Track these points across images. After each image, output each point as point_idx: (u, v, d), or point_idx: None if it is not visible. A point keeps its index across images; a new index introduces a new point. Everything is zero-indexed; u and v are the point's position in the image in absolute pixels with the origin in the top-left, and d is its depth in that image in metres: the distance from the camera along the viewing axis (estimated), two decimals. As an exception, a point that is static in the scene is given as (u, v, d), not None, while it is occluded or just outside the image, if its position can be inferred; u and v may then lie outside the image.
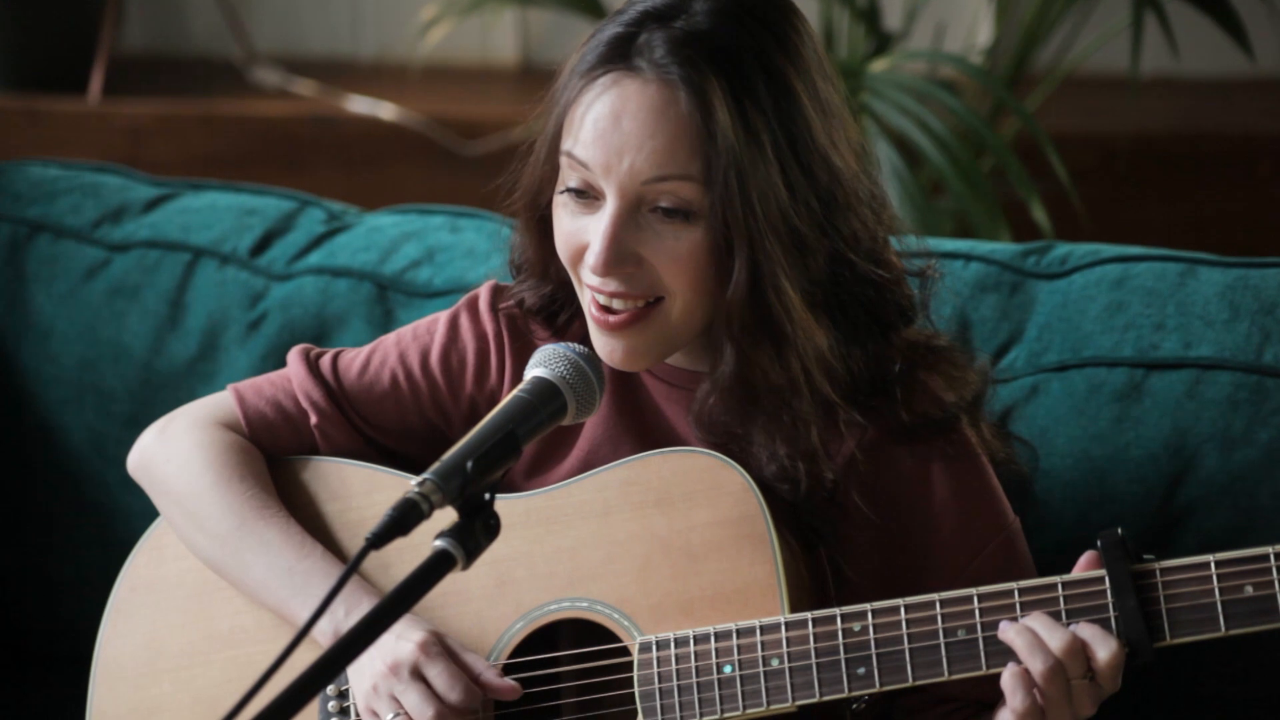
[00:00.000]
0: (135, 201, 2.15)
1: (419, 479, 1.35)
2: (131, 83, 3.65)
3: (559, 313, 1.64)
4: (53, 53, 3.63)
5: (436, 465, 1.36)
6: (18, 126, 3.57)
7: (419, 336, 1.69)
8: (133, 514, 2.06)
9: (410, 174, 3.56)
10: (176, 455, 1.67)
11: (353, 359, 1.69)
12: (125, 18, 3.74)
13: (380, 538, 1.33)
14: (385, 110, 3.55)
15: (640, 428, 1.60)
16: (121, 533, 2.07)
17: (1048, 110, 2.96)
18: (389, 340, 1.70)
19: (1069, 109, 3.26)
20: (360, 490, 1.64)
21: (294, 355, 1.71)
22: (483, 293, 1.70)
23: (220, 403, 1.70)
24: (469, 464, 1.37)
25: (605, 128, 1.50)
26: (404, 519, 1.34)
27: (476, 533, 1.36)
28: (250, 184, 2.19)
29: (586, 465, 1.59)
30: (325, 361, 1.69)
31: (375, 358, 1.69)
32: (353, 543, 1.63)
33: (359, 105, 3.56)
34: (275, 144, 3.56)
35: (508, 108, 3.64)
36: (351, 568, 1.32)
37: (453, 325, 1.68)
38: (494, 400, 1.65)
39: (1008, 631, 1.44)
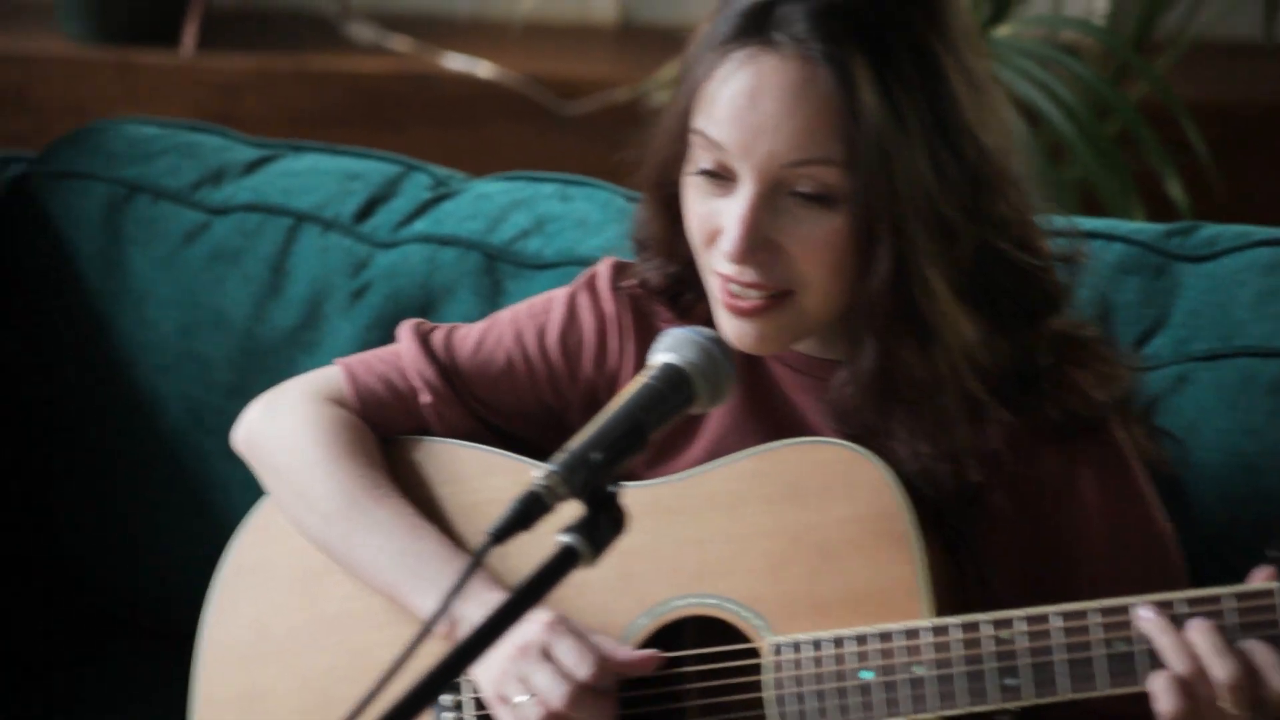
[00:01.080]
0: (235, 163, 2.09)
1: (543, 470, 1.28)
2: (224, 36, 3.59)
3: (683, 293, 1.56)
4: (145, 5, 3.57)
5: (561, 457, 1.29)
6: (109, 80, 3.51)
7: (536, 315, 1.61)
8: (231, 485, 2.00)
9: (506, 134, 3.49)
10: (285, 432, 1.61)
11: (466, 336, 1.63)
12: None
13: (502, 533, 1.26)
14: (482, 68, 3.47)
15: (769, 417, 1.53)
16: (219, 503, 2.02)
17: (1171, 81, 2.85)
18: (504, 317, 1.63)
19: (1194, 78, 3.14)
20: (474, 473, 1.57)
21: (406, 331, 1.64)
22: (602, 270, 1.62)
23: (329, 378, 1.64)
24: (596, 456, 1.30)
25: (741, 107, 1.42)
26: (527, 513, 1.27)
27: (602, 527, 1.29)
28: (352, 146, 2.12)
29: (712, 454, 1.51)
30: (438, 338, 1.63)
31: (490, 336, 1.62)
32: (466, 527, 1.56)
33: (455, 63, 3.49)
34: (369, 101, 3.50)
35: (606, 67, 3.56)
36: (472, 566, 1.25)
37: (571, 304, 1.61)
38: (613, 383, 1.58)
39: (1167, 651, 1.34)
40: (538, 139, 3.47)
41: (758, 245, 1.42)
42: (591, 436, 1.31)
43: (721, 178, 1.45)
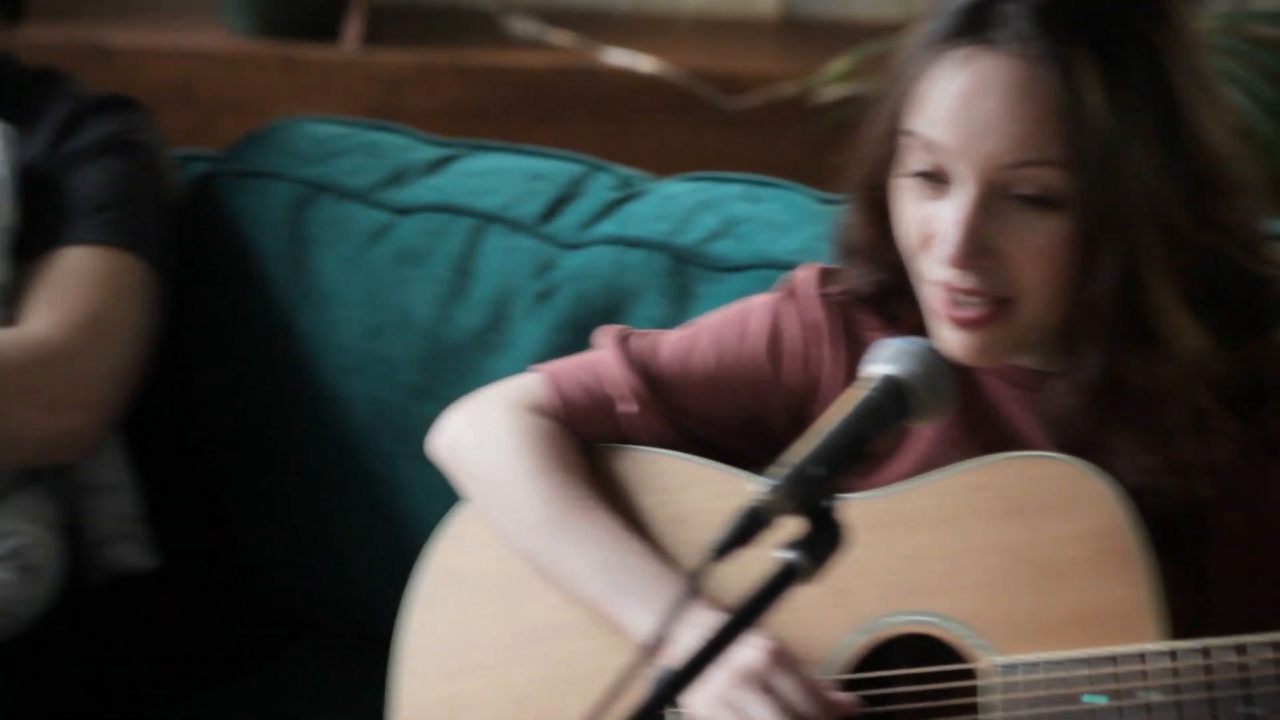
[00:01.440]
0: (417, 163, 2.07)
1: (763, 485, 1.25)
2: (386, 31, 3.59)
3: (891, 301, 1.52)
4: (308, 1, 3.58)
5: (780, 471, 1.26)
6: (273, 74, 3.53)
7: (737, 322, 1.58)
8: (414, 487, 1.99)
9: (667, 129, 3.46)
10: (487, 440, 1.59)
11: (667, 343, 1.60)
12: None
13: (723, 549, 1.23)
14: (643, 63, 3.45)
15: (981, 430, 1.49)
16: (403, 506, 2.01)
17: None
18: (705, 324, 1.61)
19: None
20: (678, 483, 1.55)
21: (606, 337, 1.62)
22: (805, 277, 1.59)
23: (530, 385, 1.62)
24: (816, 470, 1.27)
25: (960, 107, 1.38)
26: (748, 529, 1.24)
27: (822, 543, 1.26)
28: (534, 146, 2.10)
29: (922, 468, 1.48)
30: (639, 345, 1.60)
31: (691, 343, 1.59)
32: (672, 538, 1.53)
33: (617, 58, 3.47)
34: (530, 96, 3.48)
35: (769, 61, 3.52)
36: (692, 582, 1.22)
37: (775, 311, 1.58)
38: (816, 392, 1.55)
39: None
40: (699, 134, 3.44)
41: (977, 250, 1.38)
42: (811, 450, 1.28)
43: (937, 180, 1.41)
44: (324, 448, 2.04)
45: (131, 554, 1.97)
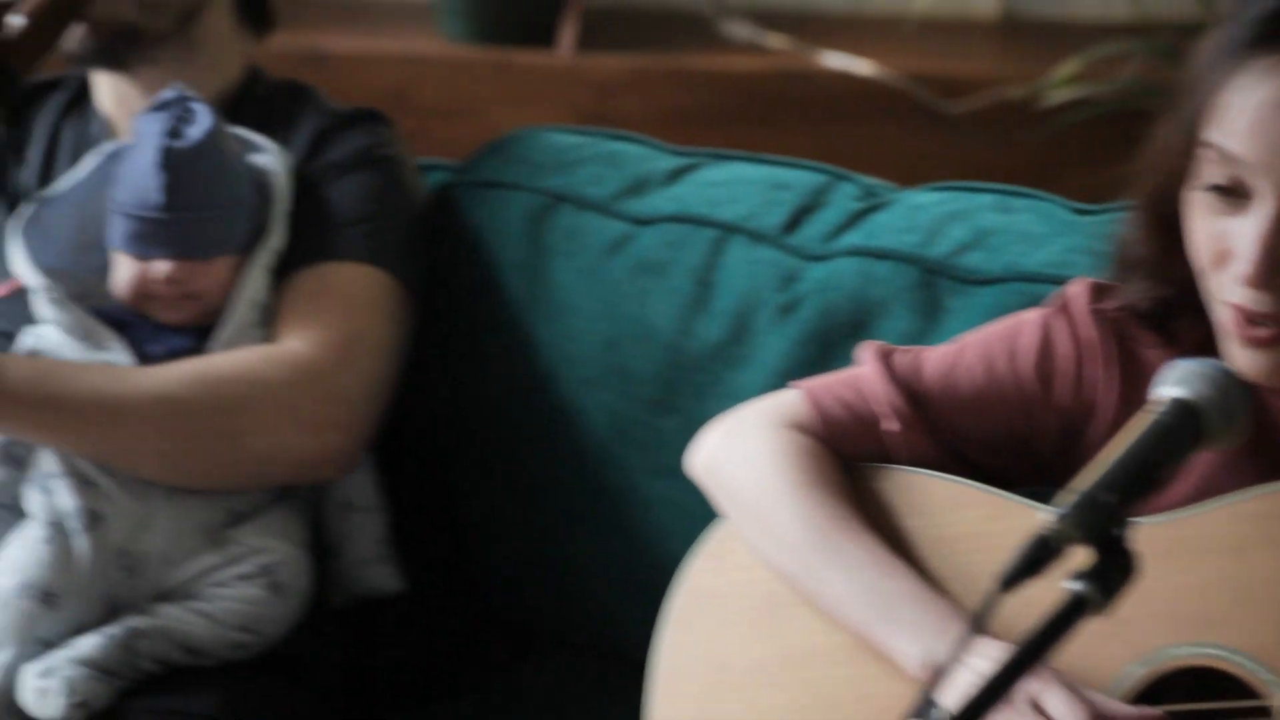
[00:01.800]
0: (657, 172, 2.05)
1: (1052, 513, 1.21)
2: (601, 36, 3.58)
3: (1171, 318, 1.47)
4: (523, 6, 3.58)
5: (1070, 499, 1.22)
6: (487, 79, 3.53)
7: (1006, 338, 1.54)
8: (654, 501, 1.97)
9: (886, 133, 3.41)
10: (747, 458, 1.56)
11: (932, 360, 1.56)
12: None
13: (1012, 579, 1.19)
14: (861, 66, 3.40)
15: (1268, 454, 1.43)
16: (641, 520, 1.98)
17: None
18: (971, 341, 1.56)
19: None
20: (945, 505, 1.51)
21: (869, 354, 1.58)
22: (1078, 292, 1.54)
23: (789, 402, 1.59)
24: (1107, 498, 1.22)
25: (1264, 119, 1.32)
26: (1037, 558, 1.20)
27: (1113, 574, 1.21)
28: (774, 155, 2.07)
29: (1203, 493, 1.42)
30: (903, 362, 1.56)
31: (958, 360, 1.55)
32: (939, 562, 1.49)
33: (833, 61, 3.43)
34: (745, 100, 3.45)
35: (990, 64, 3.46)
36: (980, 613, 1.18)
37: (1046, 328, 1.53)
38: (1091, 413, 1.50)
39: None
40: (918, 139, 3.39)
41: (1276, 270, 1.33)
42: (1101, 478, 1.24)
43: (1235, 195, 1.35)
44: (562, 461, 2.03)
45: (380, 576, 1.96)
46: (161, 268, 1.89)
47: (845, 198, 1.97)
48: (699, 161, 2.06)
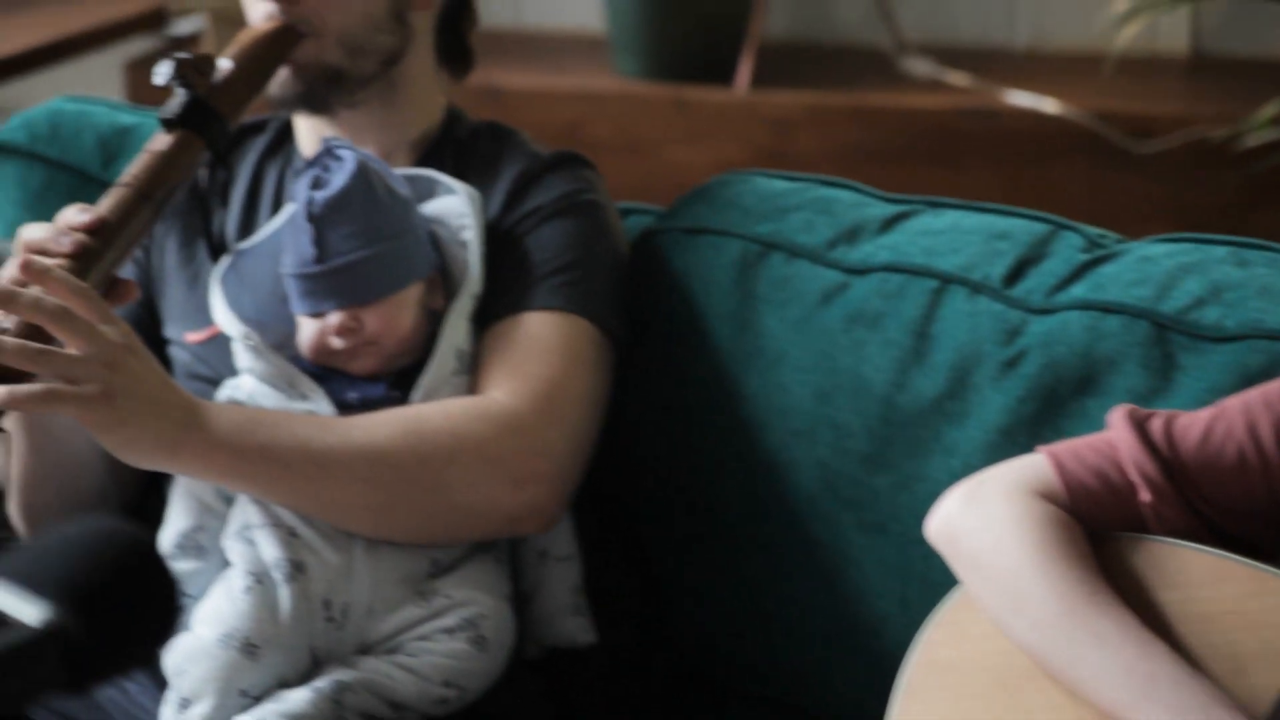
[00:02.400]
0: (871, 220, 1.99)
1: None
2: (778, 72, 3.54)
3: None
4: (701, 43, 3.55)
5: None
6: (664, 115, 3.50)
7: (1272, 403, 1.47)
8: (866, 561, 1.91)
9: (1072, 173, 3.34)
10: (990, 526, 1.50)
11: (1189, 426, 1.49)
12: (771, 5, 3.62)
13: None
14: (1046, 104, 3.33)
15: None
16: (852, 579, 1.92)
17: None
18: (1233, 405, 1.49)
19: None
20: (1203, 579, 1.43)
21: (1119, 418, 1.51)
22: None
23: (1033, 468, 1.52)
24: None
25: None
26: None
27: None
28: (992, 204, 2.00)
29: None
30: (1157, 427, 1.49)
31: (1217, 426, 1.48)
32: (1197, 639, 1.42)
33: (1017, 99, 3.36)
34: (926, 138, 3.40)
35: (1181, 103, 3.38)
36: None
37: (1314, 392, 1.46)
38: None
39: None
40: (1106, 179, 3.32)
41: None
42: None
43: None
44: (767, 514, 1.97)
45: (575, 628, 1.92)
46: (332, 319, 1.87)
47: (1069, 248, 1.90)
48: (914, 209, 2.00)
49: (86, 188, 2.27)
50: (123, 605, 1.02)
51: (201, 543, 1.86)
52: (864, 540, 1.91)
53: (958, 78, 3.45)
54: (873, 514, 1.91)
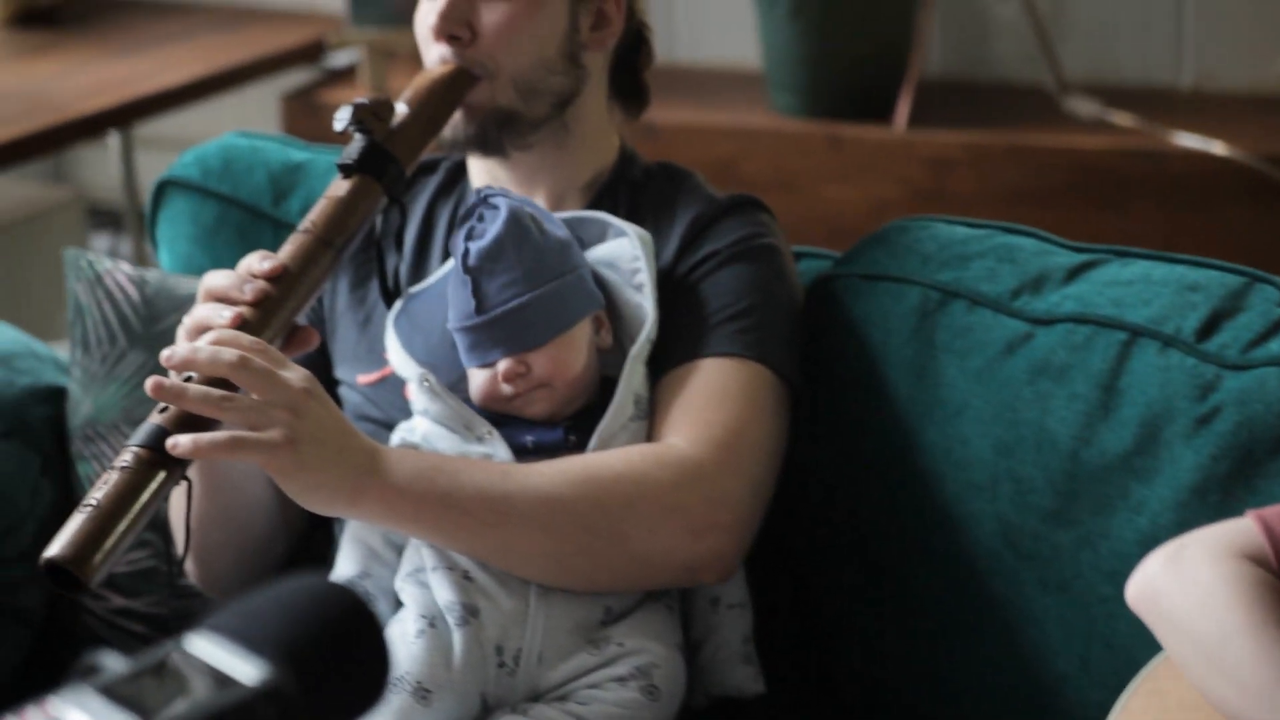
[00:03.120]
0: (1055, 269, 1.95)
1: None
2: (934, 110, 3.49)
3: None
4: (856, 80, 3.51)
5: None
6: (818, 152, 3.47)
7: None
8: (1042, 618, 1.86)
9: (1241, 217, 3.28)
10: (1196, 589, 1.45)
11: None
12: (929, 43, 3.58)
13: None
14: (1215, 147, 3.26)
15: None
16: (1032, 637, 1.88)
17: None
18: None
19: None
20: None
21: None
22: None
23: (1241, 531, 1.47)
24: None
25: None
26: None
27: None
28: (1184, 255, 1.94)
29: None
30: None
31: None
32: None
33: (1184, 140, 3.29)
34: (1089, 179, 3.34)
35: (1355, 145, 3.30)
36: None
37: None
38: None
39: None
40: (1277, 224, 3.24)
41: None
42: None
43: None
44: (943, 568, 1.93)
45: (743, 677, 1.88)
46: (500, 367, 1.85)
47: (1266, 301, 1.85)
48: (1100, 258, 1.95)
49: (257, 224, 2.27)
50: (338, 666, 1.00)
51: (369, 589, 1.85)
52: (1044, 598, 1.87)
53: (1122, 118, 3.39)
54: (1054, 571, 1.86)
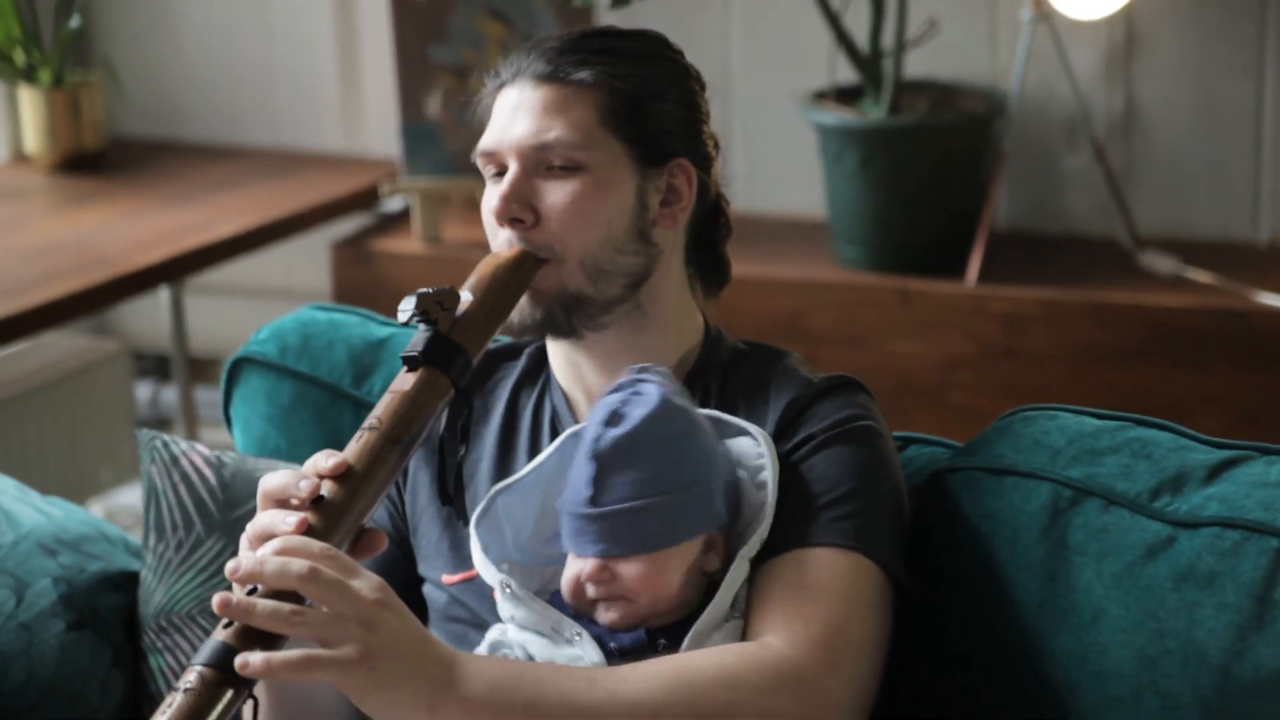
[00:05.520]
0: (1195, 466, 1.84)
1: None
2: (1005, 264, 3.41)
3: None
4: (926, 233, 3.43)
5: None
6: (887, 308, 3.38)
7: None
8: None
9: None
10: None
11: None
12: (999, 195, 3.50)
13: None
14: (1299, 306, 3.17)
15: None
16: None
17: None
18: None
19: None
20: None
21: None
22: None
23: None
24: None
25: None
26: None
27: None
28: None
29: None
30: None
31: None
32: None
33: (1268, 299, 3.20)
34: (1168, 338, 3.24)
35: None
36: None
37: None
38: None
39: None
40: (1365, 387, 3.14)
41: None
42: None
43: None
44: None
45: None
46: (585, 568, 1.75)
47: None
48: (1243, 455, 1.84)
49: (337, 404, 2.18)
50: None
51: None
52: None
53: (1200, 275, 3.30)
54: (1207, 795, 1.75)
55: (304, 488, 1.64)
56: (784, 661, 1.70)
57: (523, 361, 1.99)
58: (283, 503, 1.66)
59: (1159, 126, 3.49)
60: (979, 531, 1.88)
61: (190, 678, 1.55)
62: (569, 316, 1.85)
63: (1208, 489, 1.82)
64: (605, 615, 1.77)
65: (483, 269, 1.83)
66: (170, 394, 4.10)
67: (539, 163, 1.84)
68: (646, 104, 1.86)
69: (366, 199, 3.71)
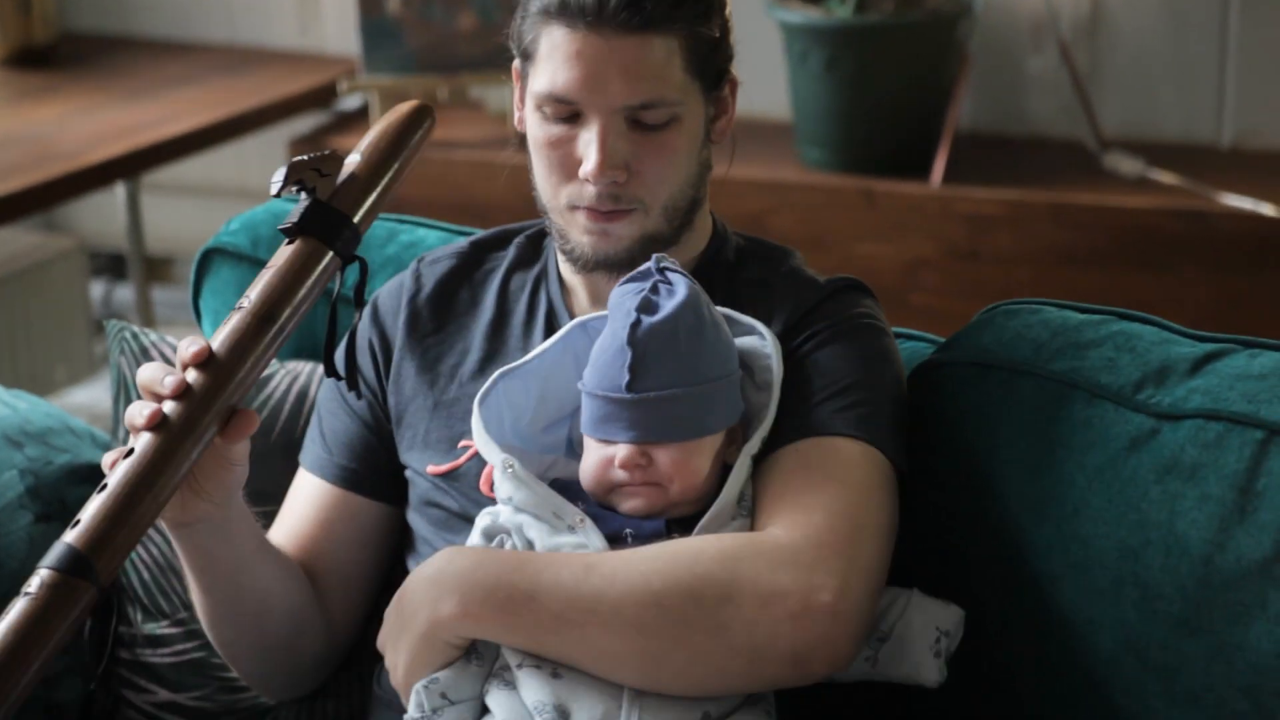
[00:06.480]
0: (1179, 360, 1.84)
1: None
2: (970, 166, 3.39)
3: None
4: (889, 135, 3.41)
5: None
6: (851, 209, 3.37)
7: None
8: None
9: (1289, 282, 3.18)
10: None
11: None
12: (964, 97, 3.48)
13: None
14: (1264, 208, 3.18)
15: None
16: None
17: None
18: None
19: None
20: None
21: None
22: None
23: None
24: None
25: None
26: None
27: None
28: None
29: None
30: None
31: None
32: None
33: (1231, 201, 3.20)
34: (1132, 240, 3.24)
35: None
36: None
37: None
38: None
39: None
40: (1329, 288, 3.16)
41: None
42: None
43: None
44: (1062, 677, 1.82)
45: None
46: (621, 451, 1.73)
47: None
48: (1226, 348, 1.84)
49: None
50: None
51: (449, 696, 1.73)
52: (1173, 711, 1.76)
53: (1164, 176, 3.30)
54: (1184, 683, 1.75)
55: (168, 384, 1.60)
56: (783, 547, 1.69)
57: (511, 251, 1.97)
58: (150, 393, 1.62)
59: (1124, 28, 3.48)
60: (963, 426, 1.87)
61: (34, 582, 1.51)
62: (646, 254, 1.82)
63: (1191, 381, 1.81)
64: (629, 503, 1.75)
65: (372, 132, 1.77)
66: (125, 292, 4.05)
67: (631, 119, 1.79)
68: (719, 38, 1.82)
69: (324, 96, 3.66)
